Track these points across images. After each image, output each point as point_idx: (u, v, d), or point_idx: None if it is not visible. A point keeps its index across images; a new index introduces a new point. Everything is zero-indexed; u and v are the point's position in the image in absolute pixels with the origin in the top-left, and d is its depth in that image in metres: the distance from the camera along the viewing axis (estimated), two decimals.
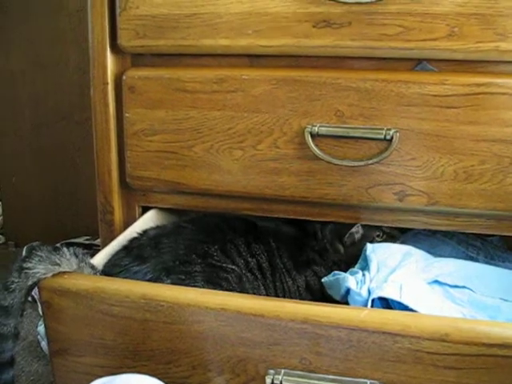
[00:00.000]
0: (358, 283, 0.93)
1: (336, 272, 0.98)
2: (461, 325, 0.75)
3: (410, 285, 0.90)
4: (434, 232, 1.14)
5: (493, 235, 1.15)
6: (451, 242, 1.14)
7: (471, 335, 0.74)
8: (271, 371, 0.80)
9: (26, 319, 1.46)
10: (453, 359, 0.75)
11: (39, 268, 0.87)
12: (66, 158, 1.91)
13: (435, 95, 0.97)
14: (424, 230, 1.13)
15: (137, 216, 1.19)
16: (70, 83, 1.83)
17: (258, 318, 0.80)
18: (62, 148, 1.91)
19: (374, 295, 0.88)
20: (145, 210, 1.20)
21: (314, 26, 0.99)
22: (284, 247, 1.11)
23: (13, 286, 0.86)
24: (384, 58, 1.01)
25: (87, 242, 1.81)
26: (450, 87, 0.97)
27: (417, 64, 1.00)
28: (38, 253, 0.88)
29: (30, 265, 0.86)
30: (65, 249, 0.90)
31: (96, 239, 1.76)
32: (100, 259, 1.02)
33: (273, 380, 0.79)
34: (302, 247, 1.15)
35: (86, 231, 1.85)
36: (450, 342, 0.74)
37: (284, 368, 0.80)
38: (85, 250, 0.97)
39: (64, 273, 0.89)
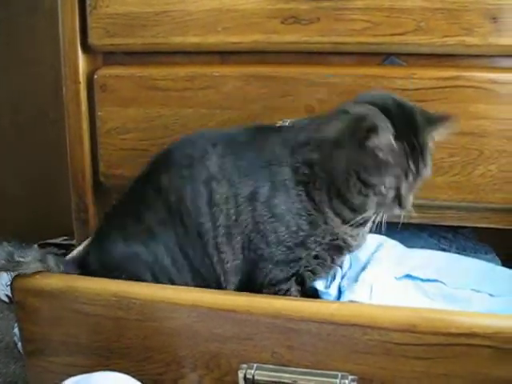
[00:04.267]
0: (327, 280, 0.93)
1: None
2: (428, 315, 0.76)
3: (380, 285, 0.91)
4: (406, 225, 1.14)
5: (464, 227, 1.16)
6: (423, 235, 1.15)
7: (438, 325, 0.75)
8: (244, 366, 0.80)
9: (2, 321, 1.45)
10: (421, 349, 0.76)
11: None
12: (43, 157, 1.89)
13: (404, 89, 0.98)
14: (396, 223, 1.13)
15: None
16: (45, 82, 1.82)
17: (229, 313, 0.80)
18: (38, 147, 1.90)
19: (345, 298, 0.89)
20: None
21: (282, 23, 1.00)
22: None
23: None
24: (353, 53, 1.02)
25: (65, 242, 1.79)
26: (418, 81, 0.98)
27: (385, 58, 1.01)
28: None
29: None
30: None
31: (74, 239, 1.76)
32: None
33: (245, 374, 0.80)
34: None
35: (63, 231, 1.84)
36: (417, 333, 0.75)
37: (256, 362, 0.80)
38: (62, 250, 0.97)
39: (36, 273, 0.89)
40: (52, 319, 0.89)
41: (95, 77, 1.12)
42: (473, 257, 1.09)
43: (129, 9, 1.07)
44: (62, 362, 0.90)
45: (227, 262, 0.90)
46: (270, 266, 0.89)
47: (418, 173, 0.85)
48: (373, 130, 0.80)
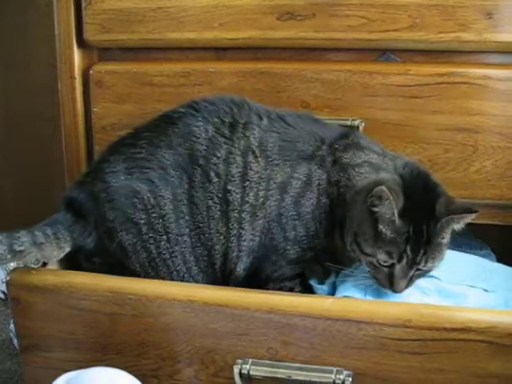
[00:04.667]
0: None
1: None
2: (423, 310, 0.77)
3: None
4: None
5: None
6: None
7: (433, 320, 0.75)
8: (239, 361, 0.80)
9: None
10: (416, 344, 0.76)
11: None
12: (39, 155, 1.89)
13: (399, 85, 0.99)
14: None
15: None
16: (41, 79, 1.81)
17: (224, 308, 0.80)
18: (35, 145, 1.90)
19: (340, 294, 0.89)
20: None
21: (278, 19, 1.00)
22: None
23: None
24: (348, 49, 1.02)
25: None
26: (413, 77, 0.99)
27: (381, 55, 1.02)
28: None
29: None
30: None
31: None
32: None
33: (241, 370, 0.80)
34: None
35: None
36: (412, 328, 0.75)
37: (251, 358, 0.81)
38: None
39: (32, 268, 0.89)
40: (47, 315, 0.89)
41: (91, 73, 1.12)
42: (468, 253, 1.09)
43: (124, 4, 1.07)
44: (57, 358, 0.90)
45: (244, 240, 0.89)
46: (283, 262, 0.89)
47: (414, 261, 0.82)
48: (380, 198, 0.79)
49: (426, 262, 0.83)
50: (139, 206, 0.89)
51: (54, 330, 0.89)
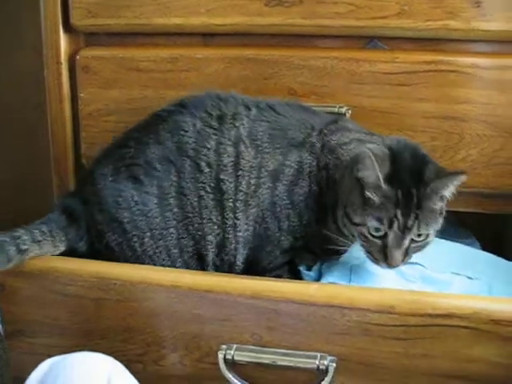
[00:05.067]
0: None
1: None
2: (406, 297, 0.77)
3: (359, 267, 0.91)
4: None
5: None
6: None
7: (416, 306, 0.75)
8: (223, 346, 0.81)
9: None
10: (400, 330, 0.76)
11: None
12: (26, 142, 1.88)
13: (386, 73, 0.99)
14: None
15: None
16: (26, 65, 1.80)
17: (208, 294, 0.80)
18: (21, 132, 1.88)
19: (324, 280, 0.89)
20: None
21: (266, 5, 1.00)
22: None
23: None
24: (336, 36, 1.02)
25: None
26: (400, 65, 0.99)
27: (369, 42, 1.02)
28: None
29: None
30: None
31: None
32: None
33: (225, 355, 0.80)
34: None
35: (47, 214, 1.82)
36: (396, 314, 0.76)
37: (236, 343, 0.81)
38: None
39: None
40: (32, 300, 0.88)
41: (77, 58, 1.11)
42: (453, 241, 1.10)
43: None
44: (42, 343, 0.90)
45: (240, 231, 0.89)
46: (278, 252, 0.90)
47: (406, 226, 0.80)
48: (363, 162, 0.79)
49: (418, 228, 0.81)
50: (123, 204, 0.89)
51: (39, 315, 0.89)
